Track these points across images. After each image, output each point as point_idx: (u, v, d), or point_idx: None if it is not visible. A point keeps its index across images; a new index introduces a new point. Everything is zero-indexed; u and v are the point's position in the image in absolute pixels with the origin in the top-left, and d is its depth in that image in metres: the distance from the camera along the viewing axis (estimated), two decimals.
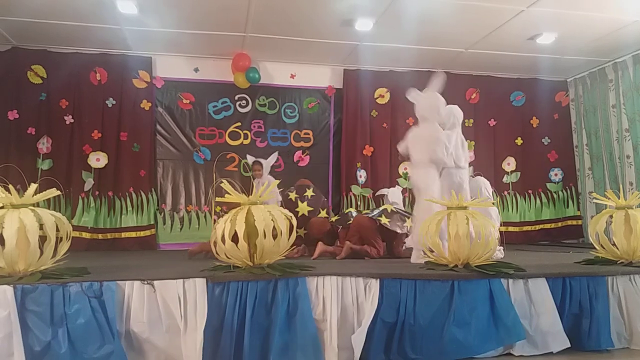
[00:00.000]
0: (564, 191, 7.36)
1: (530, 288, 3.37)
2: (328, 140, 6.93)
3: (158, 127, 6.48)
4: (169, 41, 5.96)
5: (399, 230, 4.73)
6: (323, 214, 5.24)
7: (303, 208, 5.08)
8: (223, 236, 3.17)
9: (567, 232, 7.22)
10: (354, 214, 5.08)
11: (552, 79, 7.39)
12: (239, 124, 6.66)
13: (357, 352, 3.04)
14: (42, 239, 2.98)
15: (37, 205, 3.11)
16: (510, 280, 3.35)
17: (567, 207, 7.34)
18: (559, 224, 7.26)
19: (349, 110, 6.86)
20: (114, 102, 6.30)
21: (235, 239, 3.15)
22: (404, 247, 4.89)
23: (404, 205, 6.54)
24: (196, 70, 6.59)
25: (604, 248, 3.88)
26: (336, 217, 5.23)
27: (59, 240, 3.11)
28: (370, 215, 4.82)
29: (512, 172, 7.23)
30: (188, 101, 6.54)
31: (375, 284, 3.20)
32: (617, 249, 3.80)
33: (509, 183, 7.22)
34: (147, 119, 6.40)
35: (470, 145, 7.15)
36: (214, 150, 6.56)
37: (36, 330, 2.75)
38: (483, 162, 7.05)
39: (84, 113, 6.20)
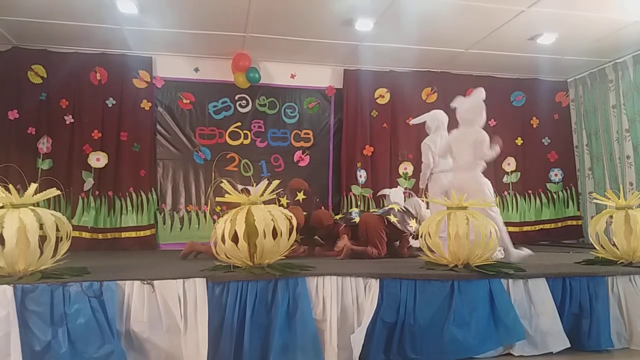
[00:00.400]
0: (564, 191, 7.36)
1: (530, 288, 3.37)
2: (328, 140, 6.92)
3: (158, 127, 6.48)
4: (169, 41, 5.96)
5: (405, 230, 4.73)
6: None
7: None
8: (223, 236, 3.18)
9: (567, 233, 7.22)
10: (355, 213, 5.07)
11: (552, 79, 7.39)
12: (239, 123, 6.66)
13: (357, 352, 3.04)
14: (42, 239, 2.98)
15: (37, 205, 3.11)
16: (510, 281, 3.36)
17: (567, 207, 7.34)
18: (559, 224, 7.25)
19: (349, 110, 6.86)
20: (114, 102, 6.30)
21: (235, 238, 3.16)
22: (408, 247, 4.90)
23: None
24: (196, 70, 6.59)
25: (604, 248, 3.88)
26: (340, 216, 5.18)
27: (59, 240, 3.11)
28: (378, 213, 4.80)
29: (512, 172, 7.23)
30: (188, 101, 6.54)
31: (375, 284, 3.20)
32: (617, 249, 3.81)
33: (509, 183, 7.22)
34: (147, 119, 6.40)
35: None
36: (214, 150, 6.56)
37: (36, 330, 2.75)
38: None
39: (84, 113, 6.19)
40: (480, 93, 4.40)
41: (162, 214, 6.36)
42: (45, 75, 6.12)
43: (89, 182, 6.13)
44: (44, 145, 6.06)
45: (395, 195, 5.64)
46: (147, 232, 6.23)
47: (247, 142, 6.66)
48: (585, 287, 3.44)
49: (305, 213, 5.05)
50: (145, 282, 2.97)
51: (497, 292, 3.27)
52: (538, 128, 7.37)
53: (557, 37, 5.81)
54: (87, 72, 6.21)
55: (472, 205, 3.65)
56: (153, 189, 6.35)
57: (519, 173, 7.25)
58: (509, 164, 7.17)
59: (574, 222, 7.29)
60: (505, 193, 7.19)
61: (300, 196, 5.14)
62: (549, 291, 3.38)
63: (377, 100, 6.97)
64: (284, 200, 5.15)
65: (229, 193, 3.41)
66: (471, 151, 4.31)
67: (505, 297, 3.29)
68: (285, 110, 6.81)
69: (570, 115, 7.48)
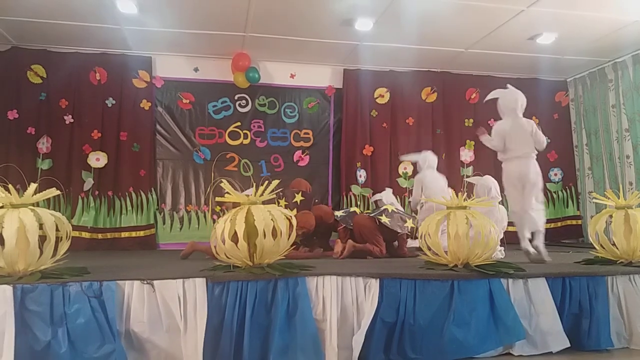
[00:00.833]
0: (563, 191, 7.36)
1: (530, 288, 3.38)
2: (328, 140, 6.92)
3: (158, 126, 6.47)
4: (168, 41, 5.96)
5: (399, 230, 4.73)
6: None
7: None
8: (223, 236, 3.18)
9: (567, 232, 7.21)
10: (354, 211, 5.09)
11: (552, 78, 7.39)
12: (238, 123, 6.66)
13: (356, 352, 3.05)
14: (42, 239, 2.99)
15: (37, 205, 3.11)
16: (510, 280, 3.36)
17: (567, 207, 7.34)
18: (559, 224, 7.25)
19: (349, 110, 6.86)
20: (114, 101, 6.30)
21: (235, 238, 3.16)
22: (407, 247, 4.91)
23: (403, 206, 6.57)
24: (196, 70, 6.58)
25: (603, 248, 3.88)
26: (342, 213, 5.13)
27: (58, 240, 3.11)
28: (371, 215, 4.81)
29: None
30: (188, 101, 6.54)
31: (375, 284, 3.20)
32: (617, 248, 3.81)
33: None
34: (146, 119, 6.40)
35: (470, 145, 7.16)
36: (213, 150, 6.56)
37: (36, 330, 2.75)
38: (483, 162, 7.04)
39: (84, 113, 6.19)
40: (511, 87, 4.67)
41: (162, 214, 6.36)
42: (45, 75, 6.12)
43: (89, 182, 6.13)
44: (44, 145, 6.06)
45: (387, 198, 5.64)
46: (147, 232, 6.23)
47: (246, 142, 6.66)
48: (585, 286, 3.44)
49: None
50: (145, 282, 2.97)
51: (497, 292, 3.27)
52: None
53: (557, 37, 5.81)
54: (87, 72, 6.21)
55: (476, 205, 3.66)
56: (153, 189, 6.35)
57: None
58: None
59: (574, 222, 7.29)
60: (505, 193, 7.18)
61: (298, 197, 5.13)
62: (548, 291, 3.38)
63: (377, 100, 6.97)
64: (282, 202, 5.14)
65: (228, 193, 3.41)
66: (531, 140, 4.35)
67: (505, 296, 3.29)
68: (285, 110, 6.81)
69: (570, 115, 7.49)
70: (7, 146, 5.92)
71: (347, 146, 6.81)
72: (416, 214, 5.56)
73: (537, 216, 4.22)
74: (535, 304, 3.34)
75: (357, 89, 6.88)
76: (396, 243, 4.91)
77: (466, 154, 7.15)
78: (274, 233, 3.21)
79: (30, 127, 6.02)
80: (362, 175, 6.78)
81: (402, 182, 6.87)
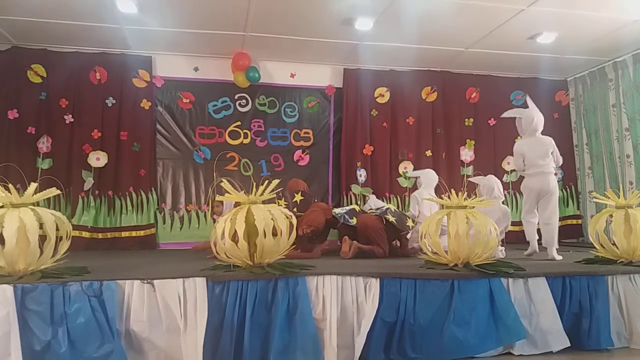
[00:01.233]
0: (563, 190, 7.36)
1: (530, 287, 3.38)
2: (328, 139, 6.92)
3: (158, 126, 6.47)
4: (168, 40, 5.96)
5: (405, 230, 4.75)
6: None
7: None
8: (223, 235, 3.18)
9: (567, 232, 7.20)
10: (354, 208, 5.10)
11: (552, 78, 7.38)
12: (238, 123, 6.65)
13: (357, 353, 3.05)
14: (42, 238, 2.99)
15: (37, 204, 3.11)
16: (510, 280, 3.36)
17: (567, 206, 7.34)
18: (559, 223, 7.23)
19: (349, 110, 6.85)
20: (114, 101, 6.29)
21: (235, 238, 3.16)
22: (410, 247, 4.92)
23: (403, 205, 6.59)
24: (196, 69, 6.58)
25: (603, 247, 3.89)
26: (341, 210, 5.11)
27: (58, 239, 3.11)
28: (376, 214, 4.79)
29: (512, 171, 7.21)
30: (188, 100, 6.53)
31: (375, 284, 3.20)
32: (617, 248, 3.81)
33: (509, 182, 7.21)
34: (147, 119, 6.39)
35: (471, 144, 7.16)
36: (214, 150, 6.55)
37: (36, 330, 2.75)
38: (483, 162, 7.05)
39: (84, 112, 6.19)
40: (530, 102, 4.91)
41: (162, 213, 6.36)
42: (45, 75, 6.11)
43: (89, 182, 6.12)
44: (44, 144, 6.06)
45: (374, 202, 5.57)
46: (147, 232, 6.22)
47: (247, 141, 6.66)
48: (585, 286, 3.45)
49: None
50: (145, 282, 2.97)
51: (497, 291, 3.28)
52: None
53: (557, 36, 5.81)
54: (87, 71, 6.21)
55: (479, 204, 3.66)
56: (153, 189, 6.35)
57: (519, 172, 7.23)
58: (509, 163, 7.16)
59: (574, 221, 7.29)
60: (505, 192, 7.18)
61: (298, 197, 5.12)
62: (549, 290, 3.39)
63: (377, 100, 6.96)
64: (282, 202, 5.13)
65: (228, 192, 3.41)
66: (551, 157, 4.74)
67: (505, 296, 3.29)
68: (285, 109, 6.80)
69: (570, 114, 7.48)
70: (7, 146, 5.92)
71: (347, 146, 6.81)
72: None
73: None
74: (536, 304, 3.34)
75: (357, 88, 6.87)
76: (397, 242, 4.91)
77: (466, 153, 7.15)
78: (274, 232, 3.21)
79: (30, 127, 6.02)
80: (362, 174, 6.78)
81: (403, 182, 6.86)
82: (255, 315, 3.00)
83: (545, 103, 7.29)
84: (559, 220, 7.22)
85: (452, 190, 3.84)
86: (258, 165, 6.65)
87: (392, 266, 3.64)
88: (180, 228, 6.37)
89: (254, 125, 6.70)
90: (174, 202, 6.43)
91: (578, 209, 7.32)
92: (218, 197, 4.25)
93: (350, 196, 6.71)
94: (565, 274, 3.47)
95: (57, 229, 3.05)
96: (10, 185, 3.07)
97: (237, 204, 3.46)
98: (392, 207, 4.87)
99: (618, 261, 3.78)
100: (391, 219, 4.66)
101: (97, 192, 6.13)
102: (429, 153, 6.98)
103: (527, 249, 4.88)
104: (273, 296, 3.06)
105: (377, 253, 4.54)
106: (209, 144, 6.56)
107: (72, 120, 6.15)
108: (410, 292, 3.20)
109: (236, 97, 6.66)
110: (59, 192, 3.30)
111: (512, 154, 7.15)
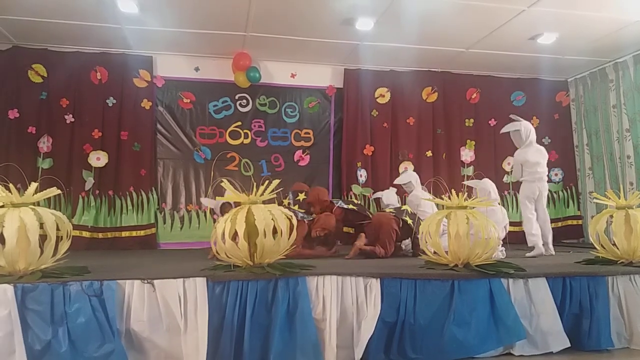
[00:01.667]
0: (564, 191, 7.36)
1: (530, 288, 3.38)
2: (328, 139, 6.92)
3: (158, 126, 6.47)
4: (169, 40, 5.96)
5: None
6: None
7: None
8: (223, 235, 3.18)
9: (568, 232, 7.21)
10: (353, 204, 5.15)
11: (552, 78, 7.38)
12: (239, 123, 6.66)
13: (358, 354, 3.05)
14: (43, 238, 2.99)
15: (38, 204, 3.12)
16: (511, 280, 3.36)
17: (568, 207, 7.34)
18: (559, 224, 7.24)
19: (350, 110, 6.85)
20: (115, 101, 6.30)
21: (235, 238, 3.16)
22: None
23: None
24: (197, 69, 6.58)
25: (604, 248, 3.88)
26: (344, 206, 5.14)
27: (59, 239, 3.11)
28: (395, 213, 4.76)
29: (512, 171, 7.22)
30: (188, 100, 6.54)
31: (375, 284, 3.20)
32: (618, 248, 3.81)
33: (509, 183, 7.21)
34: (147, 118, 6.40)
35: (471, 145, 7.16)
36: (214, 150, 6.55)
37: (36, 329, 2.76)
38: (483, 162, 7.06)
39: (85, 112, 6.19)
40: (517, 117, 5.23)
41: (163, 213, 6.36)
42: (45, 75, 6.12)
43: (90, 182, 6.13)
44: (45, 144, 6.06)
45: (388, 197, 5.62)
46: (148, 232, 6.23)
47: (247, 141, 6.66)
48: (586, 286, 3.44)
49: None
50: (146, 282, 2.97)
51: (497, 292, 3.27)
52: (538, 128, 7.30)
53: (558, 37, 5.81)
54: (88, 71, 6.21)
55: (476, 205, 3.65)
56: (153, 189, 6.35)
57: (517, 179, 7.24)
58: (509, 164, 7.16)
59: (574, 222, 7.29)
60: (505, 193, 7.19)
61: (302, 196, 5.17)
62: (549, 291, 3.38)
63: (378, 100, 6.96)
64: (285, 201, 5.16)
65: (228, 192, 3.41)
66: (545, 164, 5.11)
67: (505, 296, 3.29)
68: (286, 109, 6.81)
69: (571, 115, 7.48)
70: (8, 145, 5.92)
71: (347, 146, 6.81)
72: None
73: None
74: (536, 304, 3.34)
75: (357, 88, 6.88)
76: (407, 242, 4.92)
77: (467, 154, 7.15)
78: (275, 232, 3.21)
79: (30, 127, 6.02)
80: (362, 175, 6.78)
81: None
82: (255, 315, 3.00)
83: (546, 104, 7.33)
84: (560, 220, 7.33)
85: (453, 190, 3.84)
86: (258, 165, 6.65)
87: (392, 266, 3.63)
88: (181, 228, 6.38)
89: (255, 125, 6.70)
90: (174, 202, 6.43)
91: (578, 209, 7.32)
92: (218, 198, 4.25)
93: (351, 196, 6.70)
94: (565, 274, 3.47)
95: (58, 229, 3.05)
96: (10, 185, 3.07)
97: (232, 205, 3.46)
98: (409, 209, 4.92)
99: (618, 262, 3.78)
100: (409, 221, 4.67)
101: (97, 191, 6.13)
102: (429, 153, 6.98)
103: (528, 250, 4.91)
104: (273, 296, 3.06)
105: (378, 254, 4.53)
106: (209, 144, 6.56)
107: (72, 120, 6.16)
108: (410, 293, 3.20)
109: (237, 97, 6.66)
110: (59, 191, 3.30)
111: (512, 154, 7.21)
